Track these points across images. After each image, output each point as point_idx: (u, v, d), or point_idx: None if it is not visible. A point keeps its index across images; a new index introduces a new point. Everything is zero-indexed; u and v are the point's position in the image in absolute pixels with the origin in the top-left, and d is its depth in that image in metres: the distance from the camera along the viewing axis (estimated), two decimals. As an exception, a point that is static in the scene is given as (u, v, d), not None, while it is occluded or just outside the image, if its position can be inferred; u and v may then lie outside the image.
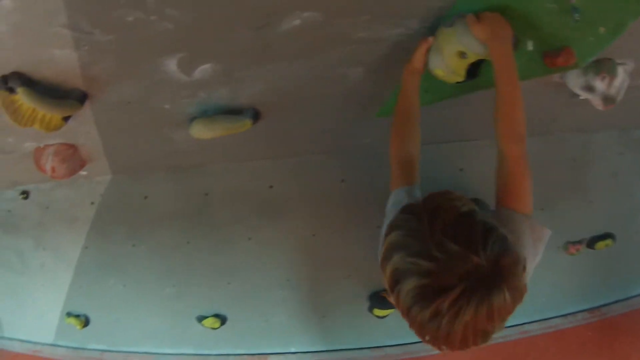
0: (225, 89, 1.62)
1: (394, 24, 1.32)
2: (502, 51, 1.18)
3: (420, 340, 0.89)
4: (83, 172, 2.22)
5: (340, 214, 2.30)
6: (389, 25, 1.32)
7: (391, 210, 1.21)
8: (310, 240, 2.37)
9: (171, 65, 1.44)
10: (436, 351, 0.89)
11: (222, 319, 2.61)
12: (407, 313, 0.87)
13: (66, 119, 1.72)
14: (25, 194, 2.49)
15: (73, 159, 2.13)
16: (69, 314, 2.78)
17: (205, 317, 2.61)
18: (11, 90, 1.55)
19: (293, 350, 2.70)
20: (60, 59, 1.40)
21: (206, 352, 2.75)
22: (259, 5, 1.16)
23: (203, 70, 1.47)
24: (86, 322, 2.80)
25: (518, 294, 0.82)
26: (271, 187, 2.30)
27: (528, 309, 2.36)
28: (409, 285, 0.84)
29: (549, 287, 2.46)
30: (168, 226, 2.39)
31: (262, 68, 1.48)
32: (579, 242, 2.46)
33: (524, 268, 0.86)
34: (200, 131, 1.80)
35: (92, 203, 2.41)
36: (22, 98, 1.55)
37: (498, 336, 2.31)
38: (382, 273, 0.94)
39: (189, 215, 2.35)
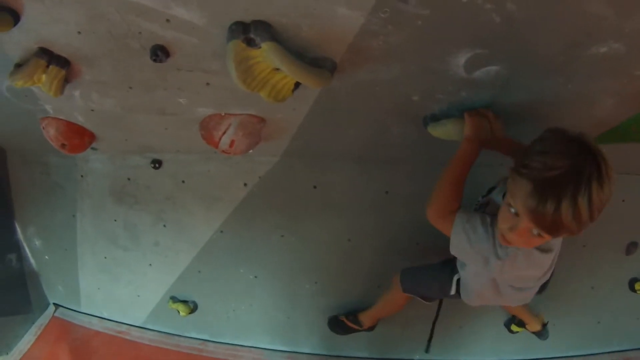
0: (489, 93, 1.42)
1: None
2: None
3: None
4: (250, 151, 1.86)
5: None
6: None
7: (473, 219, 1.33)
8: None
9: (461, 58, 1.26)
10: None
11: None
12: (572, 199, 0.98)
13: (295, 89, 1.39)
14: (157, 164, 2.10)
15: (255, 135, 1.77)
16: (174, 299, 2.45)
17: (340, 319, 2.33)
18: (250, 43, 1.22)
19: (417, 357, 2.49)
20: (340, 19, 1.14)
21: (325, 352, 2.50)
22: (586, 26, 1.10)
23: (487, 71, 1.30)
24: (193, 309, 2.47)
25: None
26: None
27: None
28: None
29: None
30: (332, 220, 2.07)
31: (541, 81, 1.35)
32: None
33: None
34: (453, 132, 1.52)
35: (245, 184, 2.06)
36: (267, 55, 1.23)
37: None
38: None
39: (361, 210, 2.04)
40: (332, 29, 1.18)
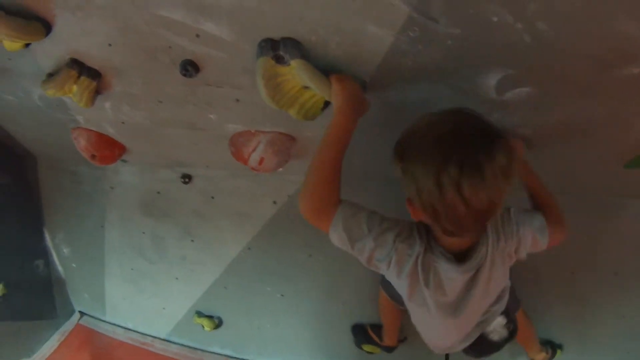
0: (521, 115, 1.34)
1: None
2: None
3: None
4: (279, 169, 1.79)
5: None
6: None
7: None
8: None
9: (491, 80, 1.20)
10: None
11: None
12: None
13: (324, 108, 1.34)
14: (187, 178, 2.05)
15: (285, 153, 1.69)
16: (199, 314, 2.40)
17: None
18: (280, 60, 1.18)
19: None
20: (369, 37, 1.10)
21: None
22: (618, 46, 1.03)
23: (518, 92, 1.23)
24: (218, 325, 2.41)
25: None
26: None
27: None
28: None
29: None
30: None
31: (571, 102, 1.27)
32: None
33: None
34: None
35: (275, 202, 1.98)
36: (296, 72, 1.18)
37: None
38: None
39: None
40: (361, 48, 1.13)
